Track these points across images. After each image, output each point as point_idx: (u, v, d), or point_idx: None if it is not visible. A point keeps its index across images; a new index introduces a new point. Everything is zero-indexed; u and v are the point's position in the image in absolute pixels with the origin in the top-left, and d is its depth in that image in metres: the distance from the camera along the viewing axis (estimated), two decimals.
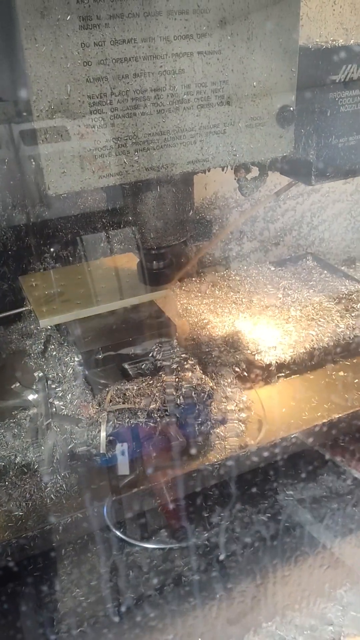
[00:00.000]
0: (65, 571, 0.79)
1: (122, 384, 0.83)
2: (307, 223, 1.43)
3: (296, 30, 0.75)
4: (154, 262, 0.88)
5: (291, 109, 0.79)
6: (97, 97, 0.66)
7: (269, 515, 0.85)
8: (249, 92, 0.75)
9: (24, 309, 0.99)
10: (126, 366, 0.90)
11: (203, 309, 1.11)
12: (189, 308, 1.11)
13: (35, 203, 0.90)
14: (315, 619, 0.72)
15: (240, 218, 1.25)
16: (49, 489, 0.76)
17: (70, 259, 1.05)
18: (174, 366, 0.85)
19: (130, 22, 0.65)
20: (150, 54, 0.67)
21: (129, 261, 0.99)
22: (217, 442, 0.82)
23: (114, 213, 0.84)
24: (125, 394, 0.80)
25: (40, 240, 1.02)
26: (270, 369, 0.94)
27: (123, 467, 0.77)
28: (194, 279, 1.21)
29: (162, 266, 0.89)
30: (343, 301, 1.10)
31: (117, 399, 0.79)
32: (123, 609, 0.74)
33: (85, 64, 0.64)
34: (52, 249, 1.02)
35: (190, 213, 0.84)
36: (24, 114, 0.65)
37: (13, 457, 0.79)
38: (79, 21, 0.62)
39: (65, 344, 0.95)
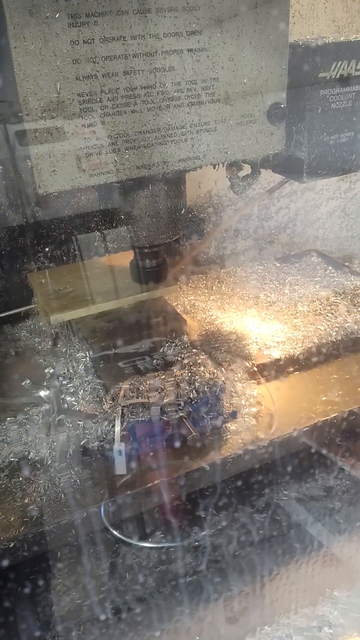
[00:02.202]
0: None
1: (134, 379, 0.76)
2: (301, 221, 1.34)
3: (286, 28, 0.68)
4: (147, 260, 0.81)
5: (282, 106, 0.72)
6: (87, 95, 0.59)
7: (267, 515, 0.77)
8: (240, 90, 0.68)
9: (32, 306, 0.93)
10: (137, 362, 0.82)
11: (210, 305, 1.02)
12: (197, 304, 1.02)
13: (32, 203, 0.82)
14: (313, 619, 0.63)
15: (234, 216, 1.17)
16: (62, 484, 0.69)
17: (64, 258, 0.99)
18: (186, 361, 0.78)
19: (119, 19, 0.58)
20: (139, 51, 0.60)
21: None
22: (228, 435, 0.75)
23: (106, 212, 0.75)
24: (138, 389, 0.74)
25: (35, 240, 0.95)
26: (280, 363, 0.86)
27: (119, 467, 0.69)
28: (200, 275, 1.12)
29: (155, 264, 0.82)
30: (350, 296, 1.02)
31: (130, 394, 0.73)
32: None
33: (74, 61, 0.57)
34: (47, 249, 0.94)
35: (183, 211, 0.77)
36: (20, 114, 0.57)
37: (26, 453, 0.72)
38: (68, 19, 0.56)
39: (76, 341, 0.88)
